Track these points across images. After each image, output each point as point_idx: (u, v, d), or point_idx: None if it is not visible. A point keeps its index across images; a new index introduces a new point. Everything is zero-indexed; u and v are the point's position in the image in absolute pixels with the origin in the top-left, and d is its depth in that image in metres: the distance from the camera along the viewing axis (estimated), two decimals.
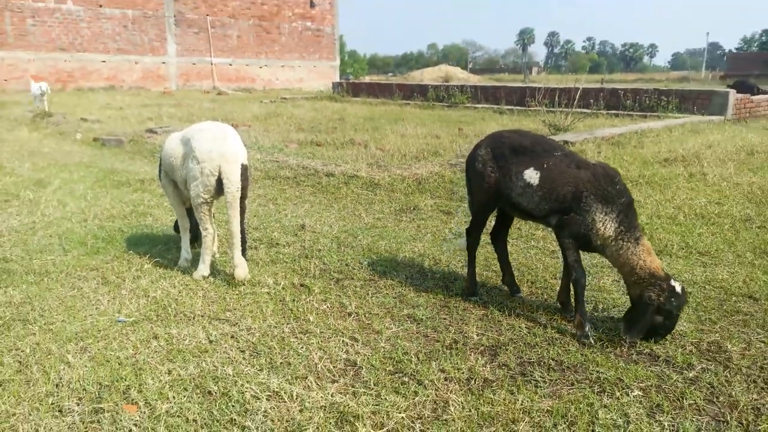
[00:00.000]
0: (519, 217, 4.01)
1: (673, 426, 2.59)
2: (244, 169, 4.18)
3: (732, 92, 14.67)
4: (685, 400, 2.79)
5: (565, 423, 2.60)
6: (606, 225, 3.31)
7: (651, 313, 3.18)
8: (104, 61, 28.90)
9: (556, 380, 2.97)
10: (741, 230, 5.45)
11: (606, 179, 3.38)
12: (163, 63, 30.96)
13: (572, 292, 3.58)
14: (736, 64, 56.11)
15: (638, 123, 12.49)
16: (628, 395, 2.82)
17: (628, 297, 3.63)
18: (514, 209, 3.81)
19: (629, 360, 3.20)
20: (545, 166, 3.54)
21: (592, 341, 3.34)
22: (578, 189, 3.39)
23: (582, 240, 3.43)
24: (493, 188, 3.77)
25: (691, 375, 3.02)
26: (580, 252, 3.53)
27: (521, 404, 2.74)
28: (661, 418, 2.64)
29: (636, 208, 3.45)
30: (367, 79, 44.15)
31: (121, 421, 2.56)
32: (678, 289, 3.19)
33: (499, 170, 3.73)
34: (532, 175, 3.56)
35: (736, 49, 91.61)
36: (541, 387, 2.91)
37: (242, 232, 4.21)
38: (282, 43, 35.35)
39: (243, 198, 4.21)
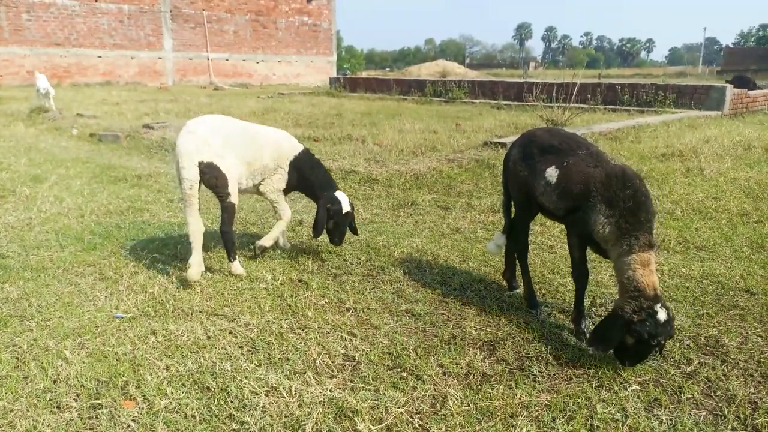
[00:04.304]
0: (551, 219, 3.93)
1: (671, 420, 2.60)
2: (208, 168, 4.00)
3: (729, 87, 14.68)
4: (682, 395, 2.80)
5: (563, 417, 2.61)
6: (604, 227, 3.15)
7: (618, 327, 2.92)
8: (100, 57, 28.78)
9: (555, 375, 2.98)
10: (738, 225, 5.47)
11: (619, 180, 3.17)
12: (160, 58, 30.83)
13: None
14: (733, 59, 56.09)
15: (635, 118, 12.49)
16: (626, 389, 2.83)
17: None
18: (541, 210, 3.72)
19: None
20: (565, 164, 3.43)
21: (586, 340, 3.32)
22: (588, 187, 3.24)
23: (588, 241, 3.31)
24: (524, 188, 3.70)
25: (688, 369, 3.03)
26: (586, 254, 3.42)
27: (520, 399, 2.74)
28: (659, 412, 2.65)
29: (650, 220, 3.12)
30: (364, 74, 44.06)
31: (119, 416, 2.56)
32: (660, 315, 2.85)
33: (527, 169, 3.65)
34: (551, 174, 3.46)
35: (733, 44, 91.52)
36: (539, 381, 2.91)
37: (226, 233, 4.22)
38: (279, 38, 35.23)
39: (220, 198, 4.20)
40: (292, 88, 28.29)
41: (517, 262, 4.02)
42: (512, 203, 4.03)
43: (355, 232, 4.75)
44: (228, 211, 4.21)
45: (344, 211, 4.47)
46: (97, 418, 2.56)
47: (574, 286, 3.48)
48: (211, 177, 4.05)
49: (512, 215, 4.07)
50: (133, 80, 29.62)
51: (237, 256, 4.30)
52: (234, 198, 4.22)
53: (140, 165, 8.51)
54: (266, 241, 4.58)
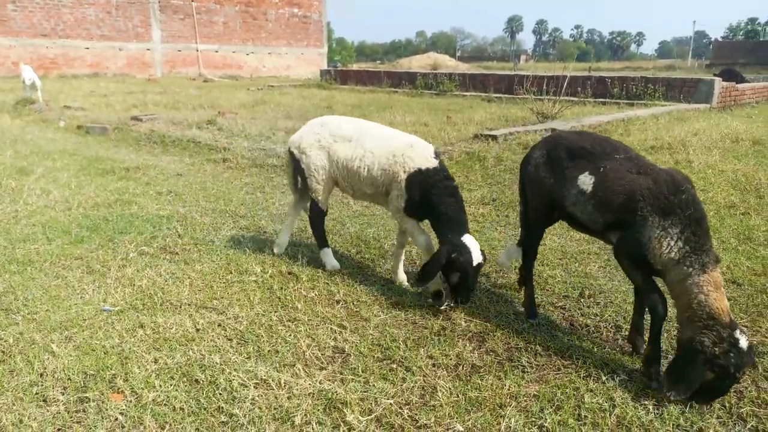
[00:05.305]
0: (580, 231, 3.48)
1: (658, 409, 2.62)
2: (291, 156, 4.30)
3: (718, 80, 14.77)
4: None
5: (551, 407, 2.63)
6: (664, 243, 2.73)
7: (701, 364, 2.54)
8: (88, 48, 28.45)
9: (543, 365, 3.00)
10: (725, 217, 5.51)
11: (671, 186, 2.79)
12: (148, 50, 30.52)
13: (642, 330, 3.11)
14: (722, 53, 56.44)
15: (625, 111, 12.54)
16: (614, 379, 2.85)
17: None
18: (570, 221, 3.35)
19: (615, 345, 3.23)
20: (601, 170, 3.05)
21: (656, 386, 2.78)
22: (634, 198, 2.84)
23: (641, 262, 2.86)
24: (547, 196, 3.33)
25: None
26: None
27: (508, 389, 2.76)
28: (646, 402, 2.67)
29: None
30: (355, 66, 43.88)
31: (107, 410, 2.54)
32: (743, 343, 2.52)
33: (553, 175, 3.27)
34: (585, 181, 3.09)
35: (722, 37, 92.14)
36: (528, 372, 2.93)
37: (309, 220, 4.43)
38: (269, 29, 34.97)
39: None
40: (282, 80, 28.11)
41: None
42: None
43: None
44: (312, 203, 4.34)
45: (474, 263, 3.50)
46: (84, 411, 2.55)
47: (650, 319, 2.92)
48: (297, 165, 4.29)
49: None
50: (121, 72, 29.31)
51: (328, 246, 4.35)
52: (314, 194, 4.23)
53: (128, 157, 8.44)
54: (400, 275, 4.08)
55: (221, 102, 15.41)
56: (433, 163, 3.77)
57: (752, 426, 2.52)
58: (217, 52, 32.87)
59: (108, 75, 28.42)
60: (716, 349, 2.52)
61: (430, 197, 3.70)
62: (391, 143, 3.91)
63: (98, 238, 4.81)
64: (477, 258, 3.52)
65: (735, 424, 2.54)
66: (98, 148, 9.22)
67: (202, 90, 19.99)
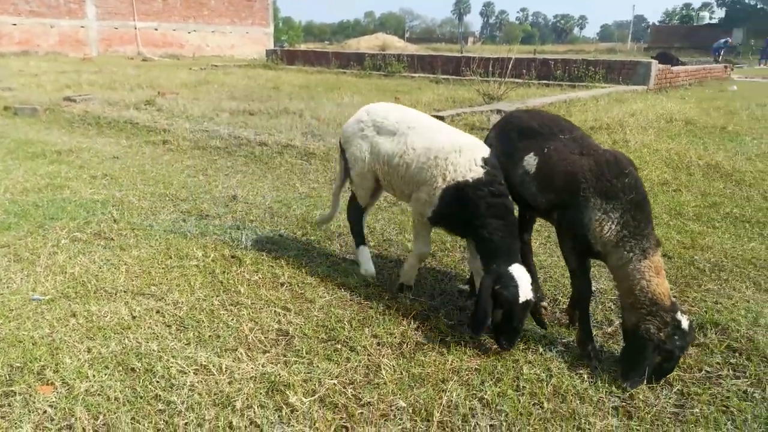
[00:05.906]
0: (528, 212, 3.46)
1: (592, 378, 2.73)
2: (339, 146, 4.06)
3: (654, 63, 15.34)
4: (603, 354, 2.94)
5: (492, 380, 2.69)
6: (604, 226, 2.73)
7: (651, 352, 2.61)
8: (15, 24, 26.72)
9: (485, 340, 3.06)
10: (659, 193, 5.76)
11: (613, 168, 2.79)
12: (82, 27, 28.94)
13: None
14: (659, 37, 58.62)
15: (567, 92, 12.87)
16: (551, 350, 2.94)
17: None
18: (519, 202, 3.32)
19: (553, 319, 3.33)
20: (545, 151, 3.04)
21: (596, 364, 2.84)
22: (576, 179, 2.82)
23: (581, 242, 2.86)
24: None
25: (609, 330, 3.20)
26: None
27: (451, 364, 2.80)
28: (581, 371, 2.77)
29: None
30: (302, 46, 43.06)
31: (34, 402, 2.42)
32: (684, 324, 2.61)
33: (504, 155, 3.25)
34: (530, 162, 3.08)
35: (659, 21, 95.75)
36: (470, 347, 2.98)
37: (348, 219, 4.13)
38: (211, 7, 33.78)
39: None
40: (226, 60, 27.30)
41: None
42: None
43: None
44: (351, 195, 4.04)
45: (521, 301, 2.89)
46: (9, 405, 2.42)
47: (577, 302, 3.04)
48: (342, 155, 4.04)
49: None
50: (53, 50, 27.68)
51: (365, 243, 4.00)
52: (354, 188, 3.92)
53: (61, 140, 8.00)
54: (404, 278, 3.61)
55: (161, 82, 14.83)
56: (476, 172, 3.12)
57: (678, 389, 2.66)
58: (156, 29, 31.50)
59: (39, 54, 26.79)
60: (661, 334, 2.59)
61: (467, 216, 3.13)
62: (435, 142, 3.33)
63: (27, 225, 4.55)
64: (525, 294, 2.90)
65: (662, 388, 2.67)
66: (28, 130, 8.70)
67: (140, 69, 19.17)
